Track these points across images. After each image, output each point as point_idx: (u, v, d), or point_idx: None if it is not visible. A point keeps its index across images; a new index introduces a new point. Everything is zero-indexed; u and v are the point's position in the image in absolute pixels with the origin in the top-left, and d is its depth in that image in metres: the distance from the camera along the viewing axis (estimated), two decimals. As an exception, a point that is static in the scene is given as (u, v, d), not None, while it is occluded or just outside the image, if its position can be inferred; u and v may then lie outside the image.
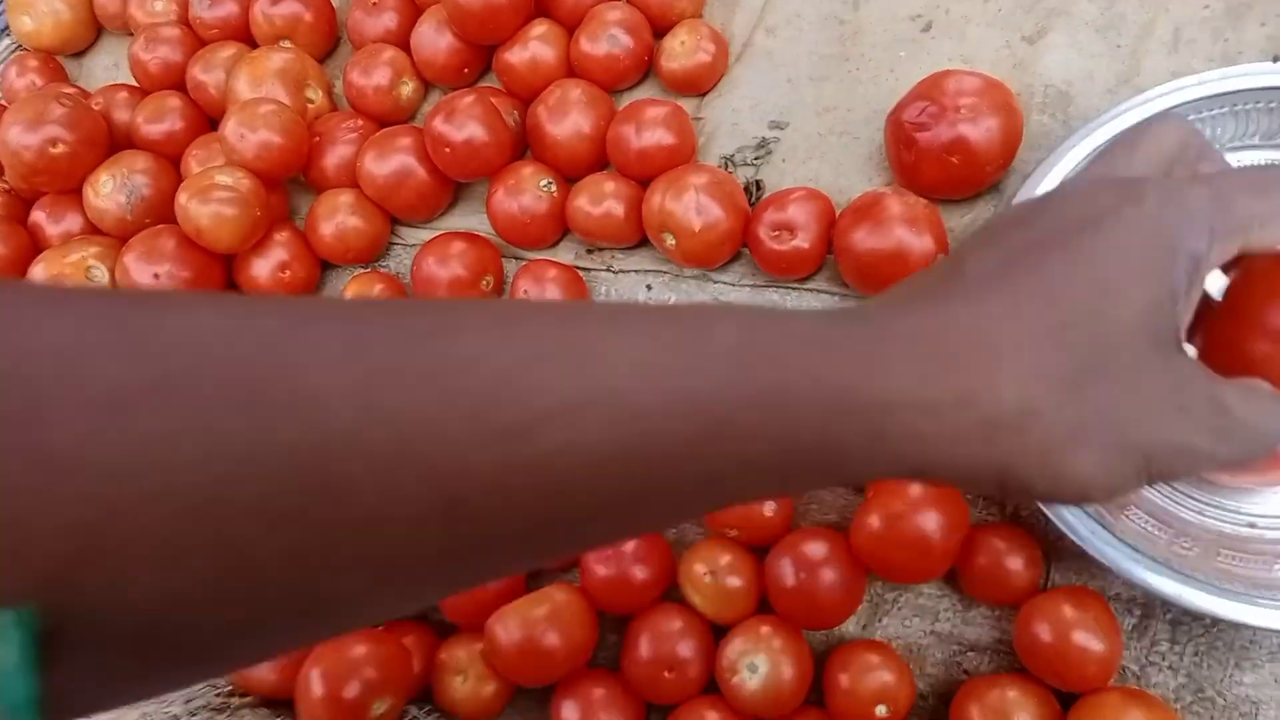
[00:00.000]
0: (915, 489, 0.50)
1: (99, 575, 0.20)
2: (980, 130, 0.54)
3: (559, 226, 0.63)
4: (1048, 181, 0.52)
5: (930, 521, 0.49)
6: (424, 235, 0.67)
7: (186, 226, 0.61)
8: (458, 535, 0.23)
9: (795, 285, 0.60)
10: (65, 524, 0.19)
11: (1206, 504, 0.49)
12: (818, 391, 0.24)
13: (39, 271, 0.63)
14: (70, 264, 0.63)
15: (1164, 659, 0.49)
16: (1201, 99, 0.51)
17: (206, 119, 0.72)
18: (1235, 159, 0.53)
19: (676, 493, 0.24)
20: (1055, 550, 0.51)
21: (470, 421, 0.22)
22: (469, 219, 0.67)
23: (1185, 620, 0.49)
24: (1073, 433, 0.26)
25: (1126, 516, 0.49)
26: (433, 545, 0.23)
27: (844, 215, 0.56)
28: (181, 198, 0.61)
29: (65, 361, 0.20)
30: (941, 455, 0.25)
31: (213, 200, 0.60)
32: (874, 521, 0.50)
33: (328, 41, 0.74)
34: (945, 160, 0.54)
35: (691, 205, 0.57)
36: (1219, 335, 0.32)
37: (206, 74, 0.70)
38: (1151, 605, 0.50)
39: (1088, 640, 0.46)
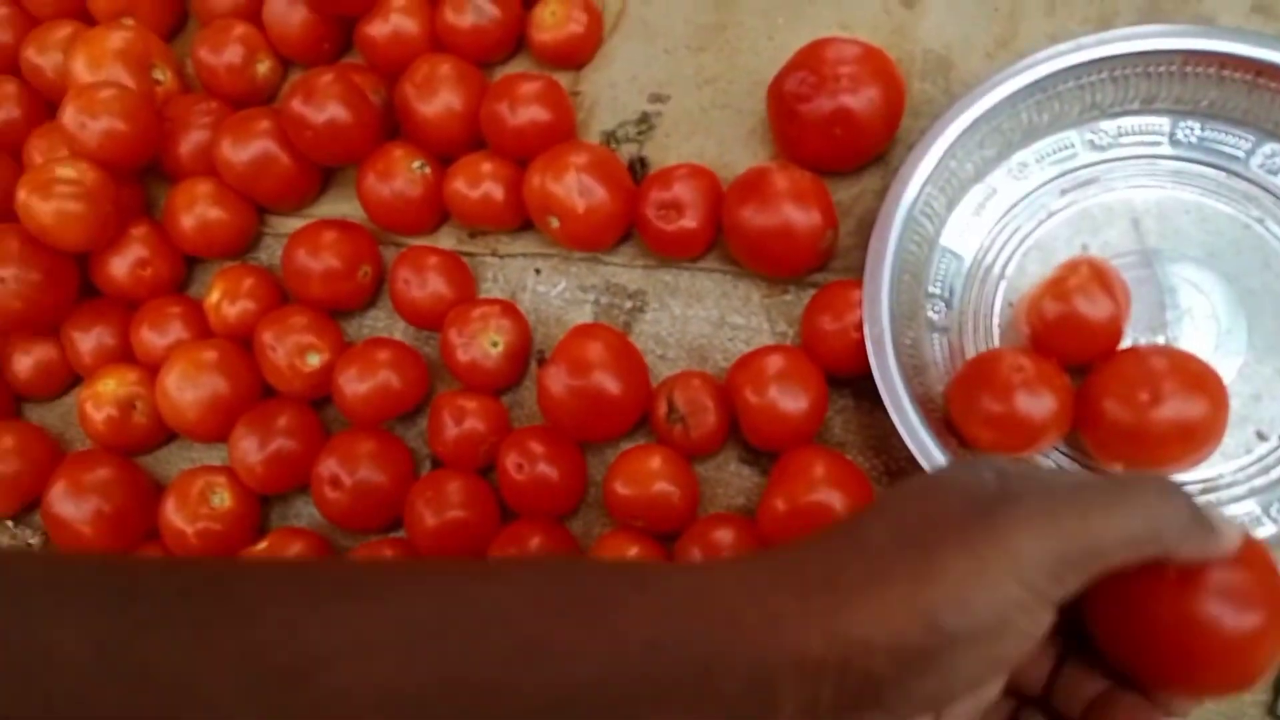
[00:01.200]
0: (818, 469, 0.49)
1: None
2: (862, 100, 0.52)
3: (437, 210, 0.60)
4: (934, 151, 0.51)
5: (836, 501, 0.48)
6: (296, 224, 0.63)
7: (30, 225, 0.55)
8: None
9: (688, 265, 0.58)
10: None
11: (1104, 472, 0.50)
12: (639, 595, 0.25)
13: None
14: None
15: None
16: (1080, 65, 0.51)
17: (46, 105, 0.65)
18: (1116, 125, 0.54)
19: None
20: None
21: (236, 667, 0.21)
22: (341, 205, 0.63)
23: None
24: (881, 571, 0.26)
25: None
26: None
27: (730, 192, 0.54)
28: (21, 194, 0.55)
29: None
30: (770, 646, 0.25)
31: (56, 195, 0.55)
32: (779, 504, 0.49)
33: (173, 18, 0.67)
34: (828, 132, 0.53)
35: (574, 186, 0.54)
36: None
37: (41, 56, 0.63)
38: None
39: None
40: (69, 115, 0.57)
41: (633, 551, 0.51)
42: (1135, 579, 0.29)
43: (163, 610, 0.21)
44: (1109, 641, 0.31)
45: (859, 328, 0.51)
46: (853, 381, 0.54)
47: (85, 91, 0.58)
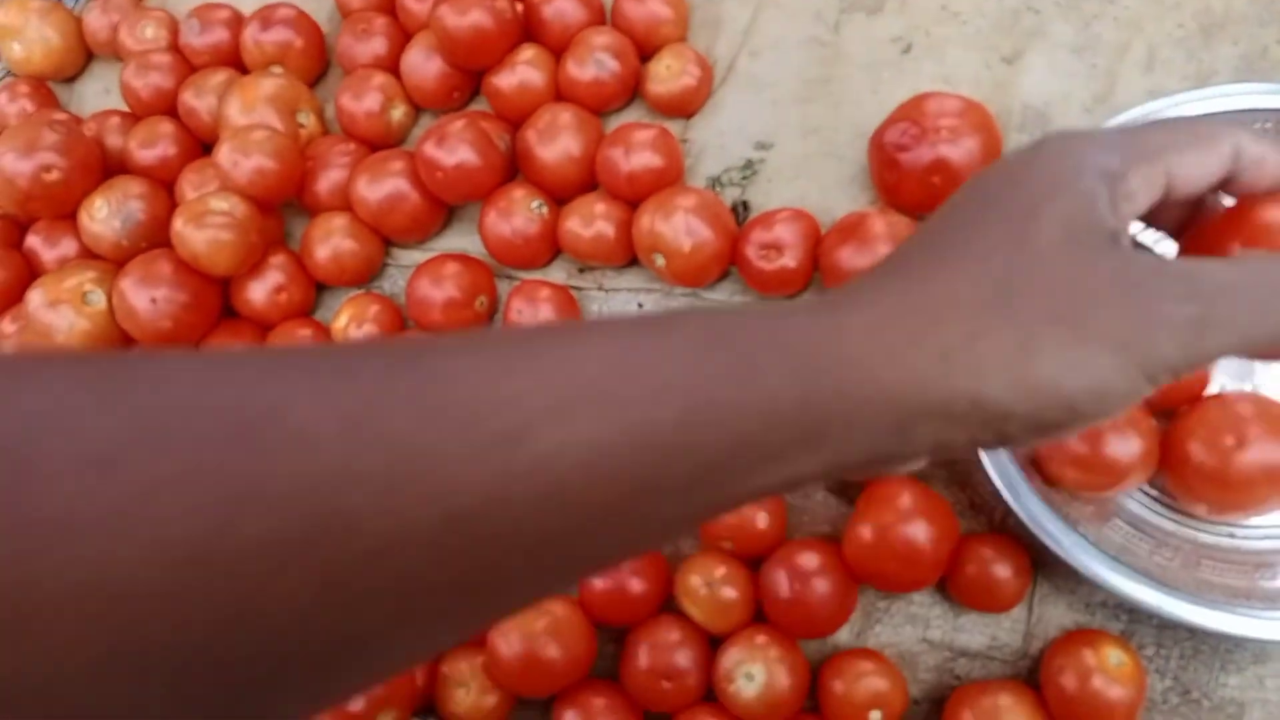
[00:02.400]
0: (904, 499, 0.50)
1: (98, 637, 0.19)
2: (960, 151, 0.54)
3: (551, 247, 0.63)
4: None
5: (920, 532, 0.49)
6: (418, 256, 0.67)
7: (183, 251, 0.60)
8: (466, 556, 0.22)
9: (784, 302, 0.60)
10: (61, 589, 0.18)
11: (1186, 513, 0.50)
12: (786, 359, 0.24)
13: (36, 297, 0.62)
14: (67, 289, 0.62)
15: (1150, 663, 0.50)
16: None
17: (199, 144, 0.71)
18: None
19: (673, 491, 0.24)
20: (1041, 560, 0.52)
21: (461, 433, 0.21)
22: (462, 240, 0.67)
23: (1170, 625, 0.50)
24: (1023, 342, 0.25)
25: (1109, 528, 0.50)
26: (443, 571, 0.22)
27: (829, 235, 0.57)
28: (177, 223, 0.60)
29: (45, 425, 0.19)
30: (912, 401, 0.25)
31: (208, 225, 0.60)
32: (865, 532, 0.50)
33: (318, 66, 0.73)
34: (926, 180, 0.55)
35: (681, 226, 0.57)
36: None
37: (198, 99, 0.70)
38: (1137, 611, 0.50)
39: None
40: (223, 153, 0.63)
41: (720, 572, 0.53)
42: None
43: (386, 384, 0.22)
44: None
45: (953, 367, 0.52)
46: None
47: (239, 133, 0.63)
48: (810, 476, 0.25)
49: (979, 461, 0.50)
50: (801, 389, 0.24)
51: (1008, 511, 0.53)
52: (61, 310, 0.62)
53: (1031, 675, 0.52)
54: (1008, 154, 0.31)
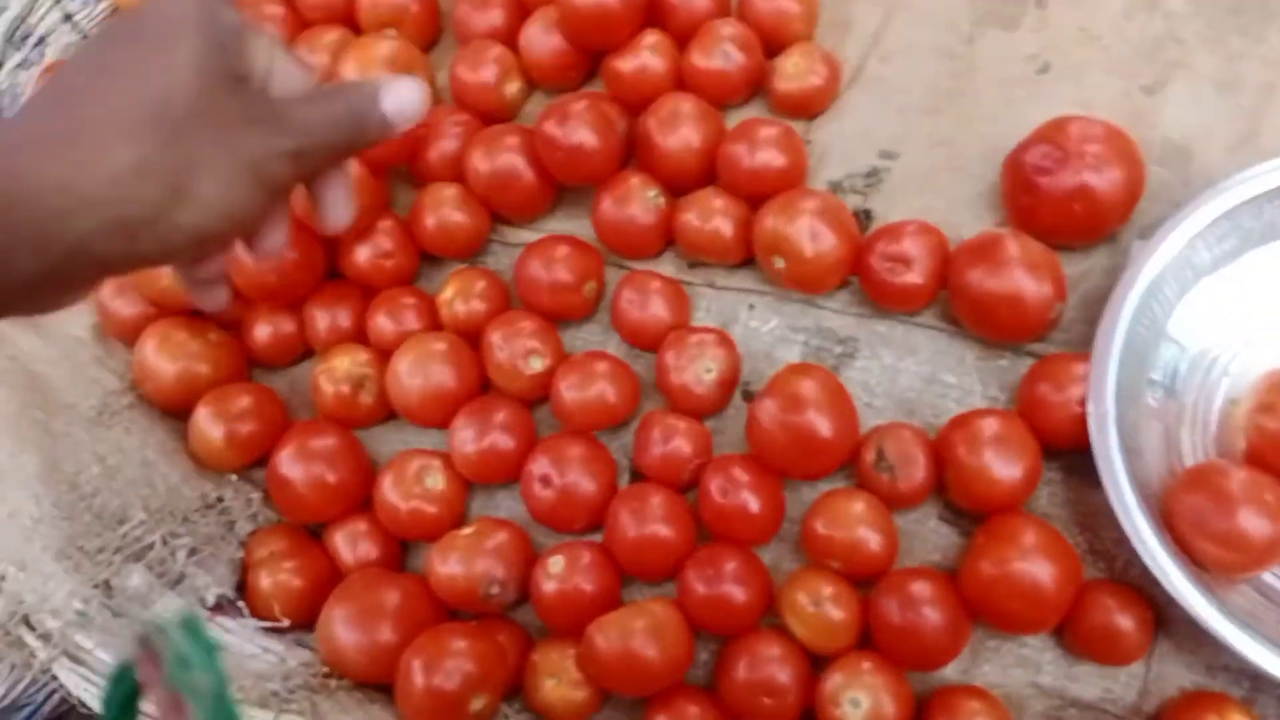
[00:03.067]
0: (1028, 538, 0.49)
1: None
2: (1105, 179, 0.52)
3: (662, 238, 0.62)
4: (1175, 239, 0.51)
5: (1044, 572, 0.48)
6: (524, 235, 0.65)
7: (296, 208, 0.58)
8: None
9: (904, 318, 0.58)
10: None
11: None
12: None
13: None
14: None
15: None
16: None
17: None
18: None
19: None
20: (1163, 616, 0.50)
21: None
22: (567, 223, 0.65)
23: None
24: (180, 169, 0.33)
25: (1236, 593, 0.49)
26: None
27: (960, 253, 0.55)
28: (293, 182, 0.58)
29: None
30: (74, 194, 0.31)
31: (324, 186, 0.58)
32: (986, 567, 0.49)
33: (431, 33, 0.71)
34: (1066, 207, 0.53)
35: (805, 229, 0.55)
36: None
37: (310, 56, 0.67)
38: (1261, 679, 0.48)
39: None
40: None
41: (828, 591, 0.52)
42: None
43: None
44: None
45: (1081, 403, 0.50)
46: (1065, 455, 0.53)
47: (358, 93, 0.61)
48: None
49: (1106, 506, 0.48)
50: None
51: (1129, 561, 0.52)
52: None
53: (1143, 731, 0.50)
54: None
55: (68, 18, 0.80)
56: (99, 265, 0.32)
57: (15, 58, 0.79)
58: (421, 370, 0.59)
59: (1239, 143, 0.57)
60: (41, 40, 0.80)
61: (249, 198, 0.35)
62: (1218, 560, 0.46)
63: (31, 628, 0.52)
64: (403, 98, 0.39)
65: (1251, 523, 0.45)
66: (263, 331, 0.64)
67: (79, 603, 0.53)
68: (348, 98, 0.39)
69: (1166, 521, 0.48)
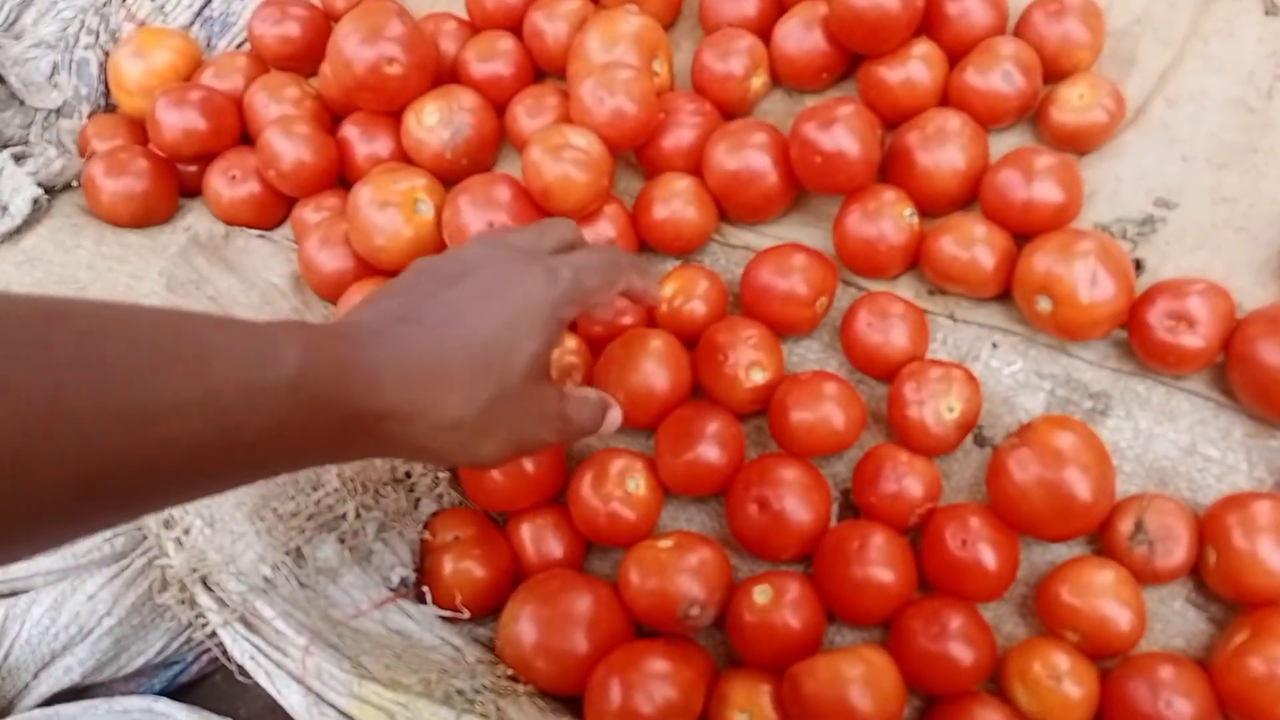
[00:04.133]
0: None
1: None
2: None
3: (907, 259, 0.60)
4: None
5: (1323, 678, 0.44)
6: (746, 238, 0.64)
7: (532, 182, 0.58)
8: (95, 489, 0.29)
9: (1167, 380, 0.55)
10: None
11: None
12: (342, 404, 0.36)
13: (365, 194, 0.61)
14: (399, 192, 0.61)
15: None
16: None
17: (535, 68, 0.69)
18: None
19: (259, 464, 0.35)
20: None
21: (111, 408, 0.28)
22: (797, 230, 0.64)
23: None
24: (484, 432, 0.41)
25: None
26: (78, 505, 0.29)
27: (1252, 321, 0.52)
28: (534, 152, 0.58)
29: None
30: (403, 449, 0.40)
31: (565, 159, 0.58)
32: (1257, 665, 0.46)
33: (672, 13, 0.70)
34: (1388, 288, 0.50)
35: (1085, 273, 0.53)
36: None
37: (548, 22, 0.67)
38: None
39: None
40: (587, 88, 0.60)
41: (1065, 665, 0.49)
42: None
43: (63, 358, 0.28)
44: None
45: (1379, 502, 0.47)
46: (1339, 553, 0.50)
47: (605, 70, 0.61)
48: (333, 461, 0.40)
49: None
50: (346, 424, 0.36)
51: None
52: (389, 213, 0.60)
53: None
54: (508, 248, 0.45)
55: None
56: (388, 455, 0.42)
57: None
58: (633, 367, 0.57)
59: None
60: None
61: (501, 457, 0.44)
62: None
63: (209, 589, 0.52)
64: (613, 422, 0.50)
65: None
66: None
67: (267, 568, 0.52)
68: (592, 407, 0.48)
69: None
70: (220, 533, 0.53)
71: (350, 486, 0.55)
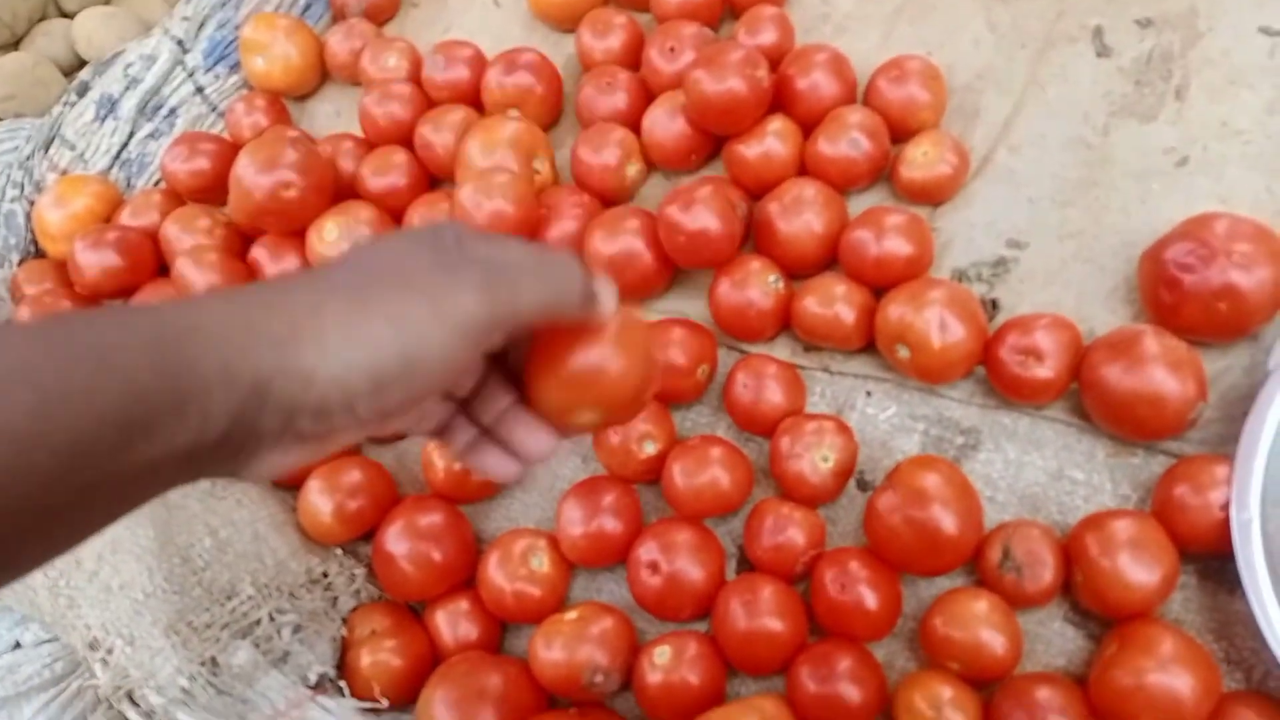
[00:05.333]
0: (1166, 646, 0.49)
1: None
2: (1253, 279, 0.54)
3: (779, 322, 0.65)
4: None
5: (1183, 685, 0.48)
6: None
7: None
8: None
9: (1030, 411, 0.60)
10: None
11: None
12: (139, 338, 0.29)
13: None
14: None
15: None
16: None
17: (429, 177, 0.76)
18: None
19: (44, 476, 0.27)
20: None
21: None
22: (681, 304, 0.69)
23: None
24: (357, 305, 0.32)
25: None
26: None
27: (1096, 348, 0.57)
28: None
29: None
30: (265, 363, 0.30)
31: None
32: (1121, 677, 0.49)
33: (553, 114, 0.77)
34: (1210, 305, 0.55)
35: (934, 320, 0.58)
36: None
37: (435, 134, 0.74)
38: None
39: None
40: (466, 194, 0.67)
41: (947, 695, 0.52)
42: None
43: None
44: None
45: (1224, 507, 0.51)
46: (1199, 559, 0.54)
47: (482, 175, 0.67)
48: (193, 448, 0.29)
49: (1244, 614, 0.49)
50: (154, 360, 0.29)
51: (1269, 672, 0.52)
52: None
53: None
54: (431, 243, 0.36)
55: (199, 90, 0.88)
56: (291, 417, 0.32)
57: (147, 128, 0.88)
58: None
59: (1395, 242, 0.57)
60: (173, 111, 0.89)
61: (438, 334, 0.34)
62: None
63: (135, 703, 0.57)
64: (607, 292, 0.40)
65: None
66: (375, 403, 0.69)
67: (184, 679, 0.57)
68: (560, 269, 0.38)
69: None
70: (140, 649, 0.57)
71: (265, 593, 0.60)
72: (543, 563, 0.62)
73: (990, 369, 0.59)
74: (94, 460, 0.27)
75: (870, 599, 0.55)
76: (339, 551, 0.67)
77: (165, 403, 0.28)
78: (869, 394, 0.64)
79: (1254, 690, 0.52)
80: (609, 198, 0.72)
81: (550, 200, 0.70)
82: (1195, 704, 0.48)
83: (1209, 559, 0.54)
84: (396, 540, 0.63)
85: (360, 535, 0.67)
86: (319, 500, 0.65)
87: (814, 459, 0.59)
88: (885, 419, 0.63)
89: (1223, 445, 0.56)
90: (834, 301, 0.62)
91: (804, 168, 0.67)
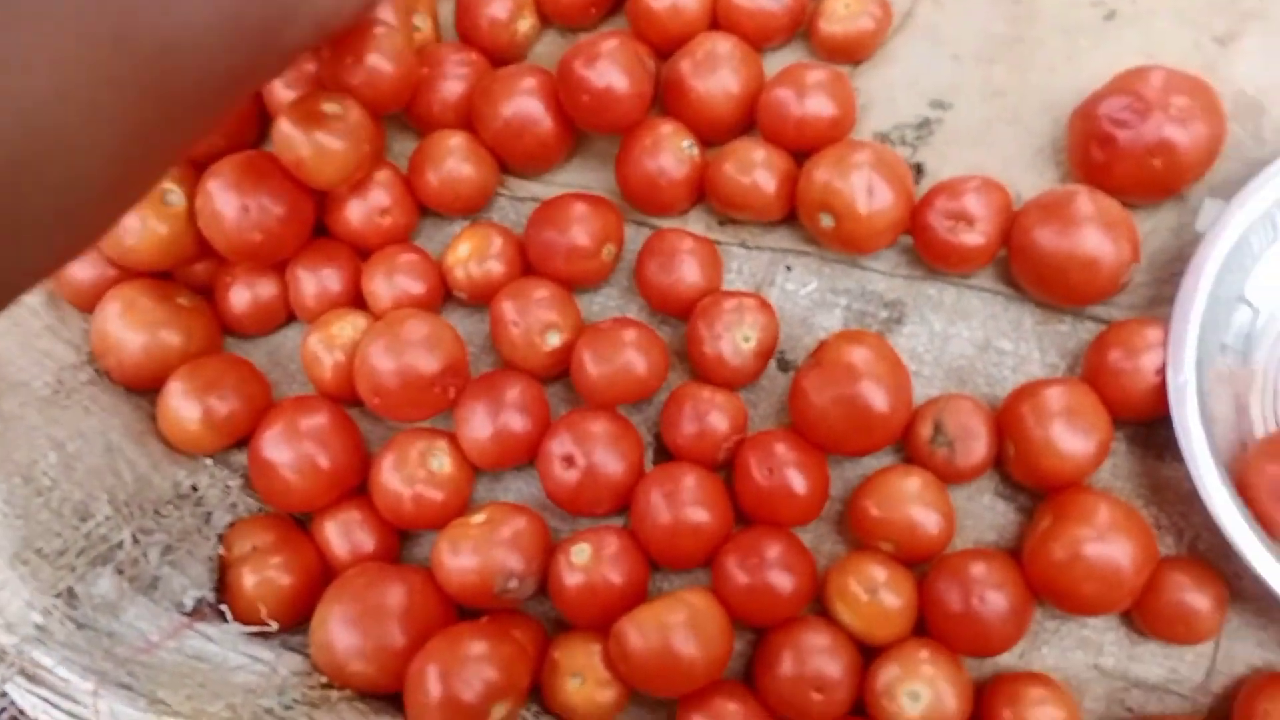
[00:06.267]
0: (1103, 514, 0.49)
1: None
2: (1188, 134, 0.52)
3: (693, 193, 0.61)
4: (1261, 197, 0.51)
5: (1121, 552, 0.48)
6: (533, 188, 0.64)
7: (286, 156, 0.57)
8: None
9: (957, 280, 0.58)
10: None
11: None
12: None
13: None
14: (143, 187, 0.58)
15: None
16: None
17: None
18: None
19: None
20: (1234, 591, 0.51)
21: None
22: (584, 176, 0.65)
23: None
24: None
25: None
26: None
27: (1028, 210, 0.55)
28: (284, 124, 0.56)
29: None
30: None
31: (319, 129, 0.56)
32: (1058, 550, 0.49)
33: (433, -37, 0.69)
34: (1145, 163, 0.53)
35: (861, 185, 0.55)
36: None
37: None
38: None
39: None
40: (333, 49, 0.59)
41: (881, 576, 0.51)
42: None
43: None
44: None
45: (1158, 371, 0.51)
46: (1130, 426, 0.54)
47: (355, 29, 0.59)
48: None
49: (1174, 478, 0.49)
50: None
51: (1198, 536, 0.53)
52: (135, 210, 0.58)
53: (1212, 713, 0.51)
54: None
55: None
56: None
57: None
58: (396, 353, 0.56)
59: (1318, 97, 0.57)
60: None
61: None
62: None
63: (-18, 645, 0.50)
64: None
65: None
66: (240, 296, 0.63)
67: (38, 615, 0.50)
68: None
69: (1242, 493, 0.49)
70: (-17, 583, 0.50)
71: (125, 512, 0.54)
72: (443, 464, 0.57)
73: (917, 236, 0.57)
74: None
75: (798, 483, 0.53)
76: (209, 462, 0.60)
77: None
78: (789, 269, 0.61)
79: (1188, 556, 0.53)
80: (498, 57, 0.65)
81: (432, 59, 0.63)
82: (1134, 571, 0.48)
83: (1136, 425, 0.54)
84: (276, 445, 0.57)
85: (233, 443, 0.60)
86: (183, 405, 0.58)
87: (735, 339, 0.56)
88: (806, 295, 0.60)
89: (1150, 309, 0.55)
90: (753, 168, 0.58)
91: (716, 21, 0.62)
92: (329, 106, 0.57)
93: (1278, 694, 0.47)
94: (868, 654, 0.52)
